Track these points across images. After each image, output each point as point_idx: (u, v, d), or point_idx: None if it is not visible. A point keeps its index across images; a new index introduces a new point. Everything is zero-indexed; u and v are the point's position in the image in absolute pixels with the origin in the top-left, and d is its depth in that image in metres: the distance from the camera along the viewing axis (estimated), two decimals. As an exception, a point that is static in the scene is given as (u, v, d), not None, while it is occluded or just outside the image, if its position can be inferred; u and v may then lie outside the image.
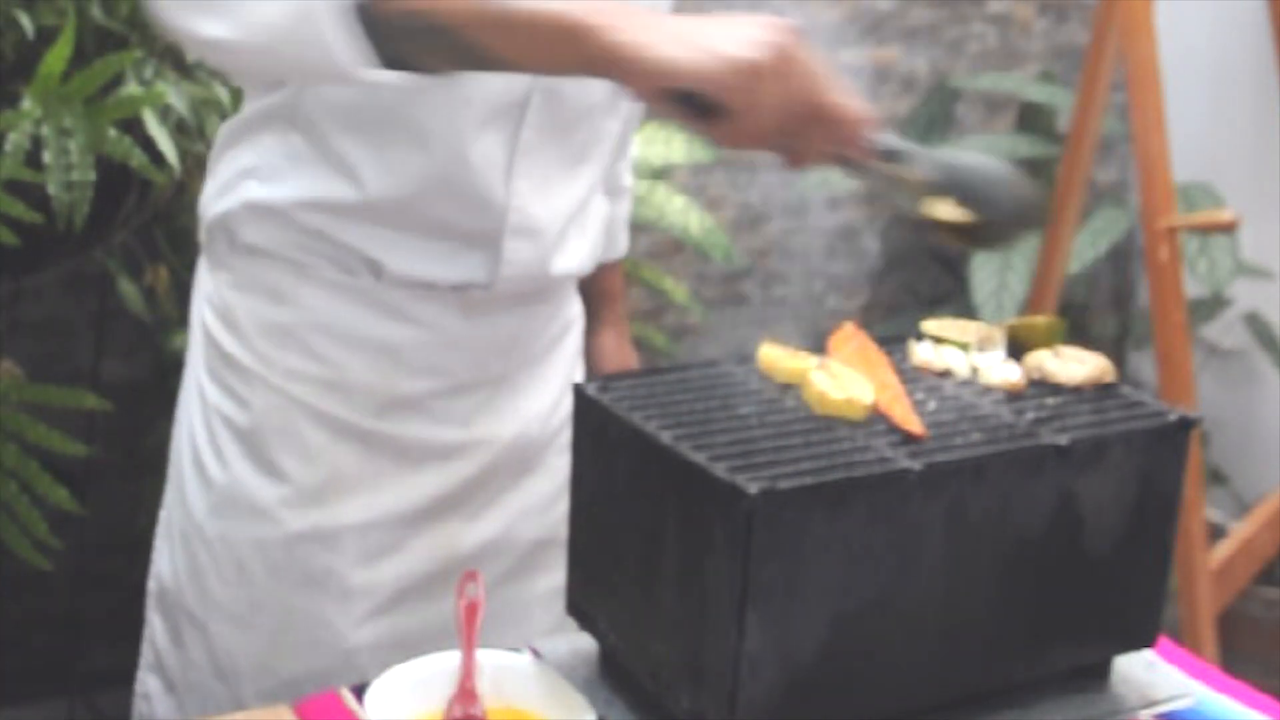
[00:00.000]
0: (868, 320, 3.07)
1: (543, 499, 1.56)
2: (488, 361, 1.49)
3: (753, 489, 1.05)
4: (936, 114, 3.18)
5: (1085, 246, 2.87)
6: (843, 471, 1.09)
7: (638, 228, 1.93)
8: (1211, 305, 3.05)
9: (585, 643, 1.28)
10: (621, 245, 1.76)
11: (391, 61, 1.16)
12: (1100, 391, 1.27)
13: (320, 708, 1.26)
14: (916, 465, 1.11)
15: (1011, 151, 3.08)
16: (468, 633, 1.23)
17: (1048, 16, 3.36)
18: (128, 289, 2.31)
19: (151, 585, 1.56)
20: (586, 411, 1.23)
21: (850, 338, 1.29)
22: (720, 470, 1.08)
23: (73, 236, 2.04)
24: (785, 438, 1.14)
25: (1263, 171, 3.09)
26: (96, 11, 2.06)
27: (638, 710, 1.22)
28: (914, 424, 1.16)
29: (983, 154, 1.25)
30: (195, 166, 2.05)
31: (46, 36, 1.98)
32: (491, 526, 1.53)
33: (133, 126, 2.03)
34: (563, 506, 1.57)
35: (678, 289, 2.75)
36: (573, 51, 1.11)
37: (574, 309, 1.62)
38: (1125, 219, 2.98)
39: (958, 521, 1.14)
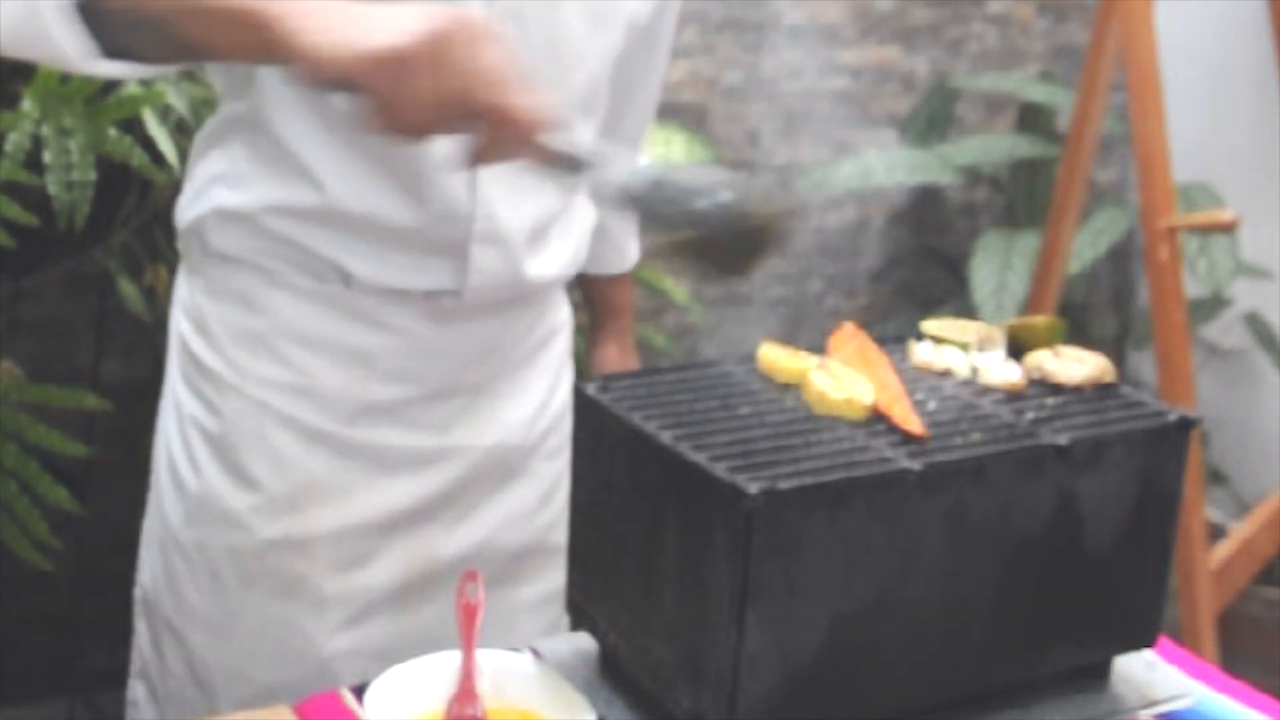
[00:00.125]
0: (868, 320, 3.07)
1: (527, 506, 1.55)
2: (464, 368, 1.48)
3: (753, 489, 1.05)
4: (936, 114, 3.18)
5: (1085, 246, 2.86)
6: (843, 471, 1.09)
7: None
8: (1211, 305, 3.05)
9: (585, 643, 1.28)
10: (629, 257, 1.75)
11: (118, 52, 1.18)
12: (1100, 391, 1.27)
13: (320, 708, 1.26)
14: (916, 465, 1.11)
15: (1011, 151, 3.09)
16: (467, 633, 1.24)
17: (1048, 16, 3.36)
18: (128, 289, 2.31)
19: (137, 592, 1.56)
20: (586, 411, 1.23)
21: (850, 338, 1.29)
22: (720, 470, 1.08)
23: (73, 236, 2.05)
24: (785, 438, 1.14)
25: (1263, 171, 3.09)
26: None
27: (638, 710, 1.22)
28: (914, 424, 1.16)
29: (708, 168, 1.17)
30: (195, 166, 2.05)
31: (46, 36, 1.98)
32: (472, 534, 1.52)
33: (133, 126, 2.03)
34: (550, 513, 1.57)
35: (678, 289, 2.75)
36: (256, 40, 1.12)
37: (560, 314, 1.60)
38: (1125, 219, 2.98)
39: (958, 521, 1.14)
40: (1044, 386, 1.26)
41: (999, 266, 2.85)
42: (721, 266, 1.17)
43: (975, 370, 1.28)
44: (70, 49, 1.16)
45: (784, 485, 1.06)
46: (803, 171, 3.04)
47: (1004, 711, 1.22)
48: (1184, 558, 2.40)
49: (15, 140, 1.95)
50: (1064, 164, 2.62)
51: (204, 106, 2.07)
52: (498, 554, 1.53)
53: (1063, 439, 1.17)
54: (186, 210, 1.48)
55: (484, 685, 1.22)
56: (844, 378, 1.21)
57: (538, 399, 1.55)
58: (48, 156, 1.95)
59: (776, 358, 1.25)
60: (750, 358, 1.28)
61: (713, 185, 1.13)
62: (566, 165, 1.13)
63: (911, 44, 3.23)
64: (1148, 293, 2.47)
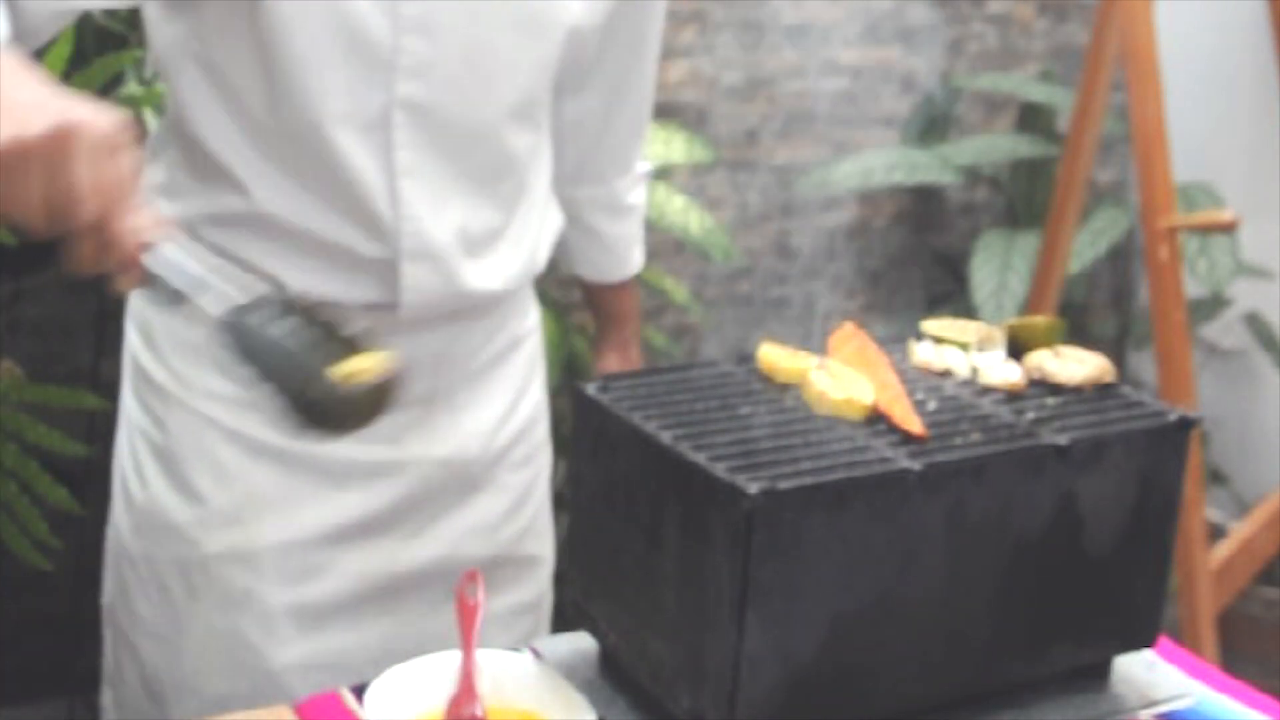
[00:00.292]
0: (868, 320, 3.07)
1: (493, 517, 1.54)
2: (412, 380, 1.46)
3: (753, 489, 1.05)
4: (936, 114, 3.18)
5: (1085, 246, 2.87)
6: (843, 471, 1.09)
7: (638, 228, 1.93)
8: (1211, 305, 3.05)
9: (585, 643, 1.28)
10: (631, 265, 1.72)
11: None
12: (1100, 391, 1.27)
13: (320, 708, 1.26)
14: (916, 465, 1.11)
15: (1011, 151, 3.09)
16: (467, 633, 1.24)
17: (1048, 16, 3.36)
18: (128, 289, 2.30)
19: (103, 600, 1.56)
20: (586, 411, 1.23)
21: (850, 338, 1.29)
22: (720, 470, 1.08)
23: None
24: (785, 438, 1.14)
25: (1263, 171, 3.09)
26: (96, 12, 2.06)
27: (638, 710, 1.22)
28: (914, 424, 1.16)
29: (311, 337, 1.07)
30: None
31: (46, 36, 1.98)
32: (432, 546, 1.50)
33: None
34: (518, 524, 1.55)
35: (678, 289, 2.75)
36: None
37: (526, 322, 1.58)
38: (1125, 219, 2.98)
39: (958, 521, 1.14)
40: (1044, 386, 1.26)
41: (999, 266, 2.85)
42: (306, 423, 1.09)
43: (975, 370, 1.28)
44: None
45: (784, 485, 1.06)
46: (803, 171, 3.04)
47: (1004, 711, 1.22)
48: (1184, 558, 2.40)
49: (15, 140, 1.95)
50: (1064, 164, 2.62)
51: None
52: (460, 566, 1.50)
53: (1063, 439, 1.17)
54: None
55: (484, 685, 1.22)
56: (844, 378, 1.21)
57: (500, 409, 1.54)
58: (48, 156, 1.95)
59: (776, 358, 1.25)
60: (750, 358, 1.28)
61: (310, 342, 1.06)
62: (164, 292, 1.07)
63: (911, 44, 3.23)
64: (1148, 293, 2.47)
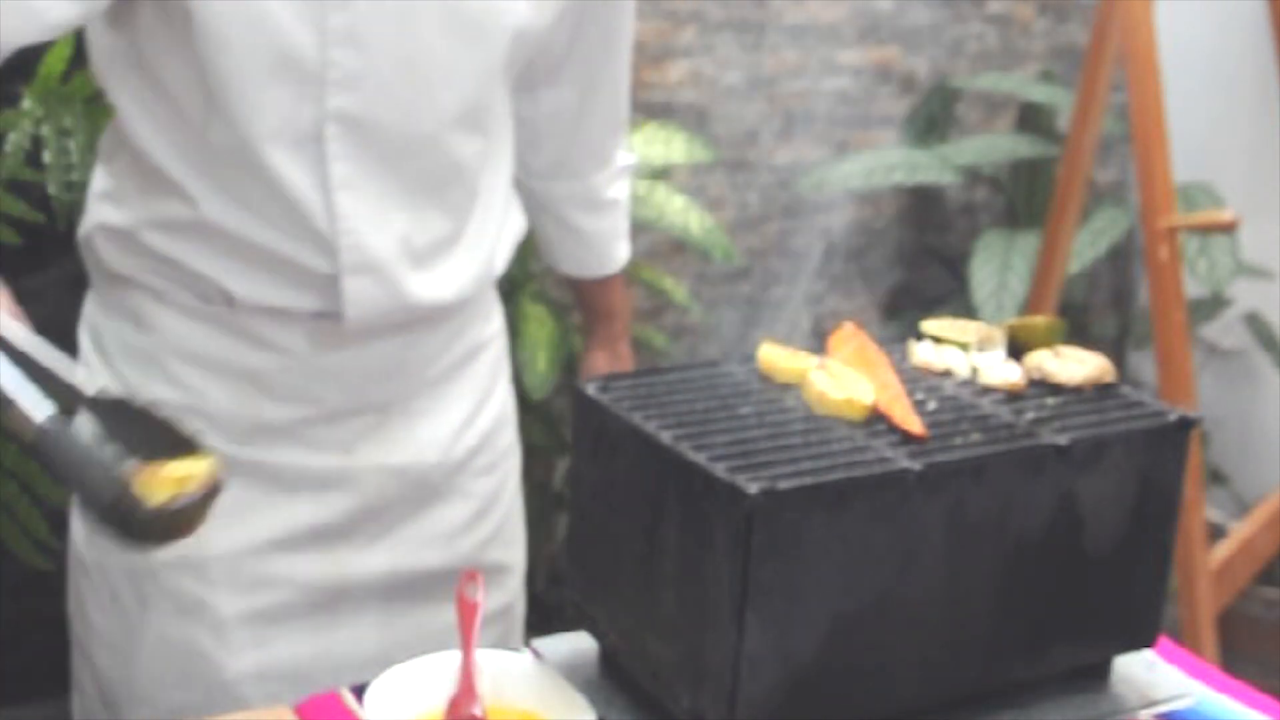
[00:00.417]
0: (868, 320, 3.07)
1: (453, 526, 1.52)
2: (365, 388, 1.45)
3: (753, 489, 1.05)
4: (936, 114, 3.18)
5: (1085, 246, 2.87)
6: (843, 471, 1.09)
7: (638, 228, 1.93)
8: (1211, 305, 3.06)
9: (585, 643, 1.28)
10: (615, 260, 1.71)
11: None
12: (1100, 391, 1.27)
13: (320, 708, 1.26)
14: (916, 465, 1.11)
15: (1011, 151, 3.09)
16: (467, 633, 1.23)
17: (1048, 16, 3.36)
18: (128, 289, 2.30)
19: (67, 608, 1.55)
20: (586, 411, 1.23)
21: (850, 338, 1.29)
22: (720, 470, 1.08)
23: (73, 236, 2.04)
24: (785, 438, 1.14)
25: (1263, 171, 3.09)
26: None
27: (638, 710, 1.22)
28: (914, 424, 1.16)
29: (132, 444, 1.04)
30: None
31: (46, 36, 1.98)
32: (389, 555, 1.49)
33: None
34: (483, 531, 1.53)
35: (678, 289, 2.75)
36: None
37: (489, 328, 1.56)
38: (1125, 219, 2.98)
39: (958, 521, 1.14)
40: (1044, 386, 1.26)
41: (999, 266, 2.85)
42: (116, 536, 1.06)
43: (975, 370, 1.28)
44: None
45: (784, 485, 1.06)
46: (803, 171, 3.04)
47: (1004, 711, 1.22)
48: (1184, 558, 2.40)
49: (15, 140, 1.95)
50: (1064, 164, 2.62)
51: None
52: (420, 574, 1.50)
53: (1063, 439, 1.17)
54: (82, 227, 1.47)
55: (484, 685, 1.22)
56: (844, 378, 1.21)
57: (460, 416, 1.52)
58: (47, 156, 1.95)
59: (776, 358, 1.25)
60: (750, 358, 1.28)
61: (125, 453, 1.03)
62: None
63: (911, 44, 3.23)
64: (1148, 293, 2.47)
